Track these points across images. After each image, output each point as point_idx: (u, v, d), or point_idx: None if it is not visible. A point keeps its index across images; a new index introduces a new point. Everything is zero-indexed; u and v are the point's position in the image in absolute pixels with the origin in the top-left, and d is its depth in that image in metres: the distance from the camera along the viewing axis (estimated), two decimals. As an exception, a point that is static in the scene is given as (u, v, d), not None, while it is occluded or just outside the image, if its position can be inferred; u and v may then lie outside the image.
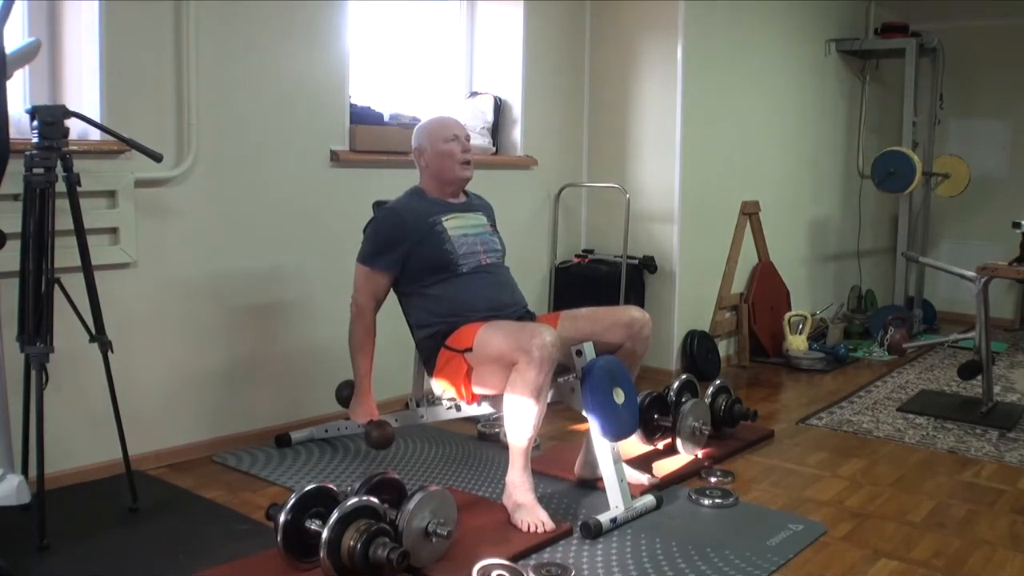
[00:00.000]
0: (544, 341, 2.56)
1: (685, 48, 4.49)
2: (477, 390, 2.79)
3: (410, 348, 3.14)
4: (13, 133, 2.45)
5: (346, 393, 3.17)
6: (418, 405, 3.18)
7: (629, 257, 4.53)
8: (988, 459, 3.44)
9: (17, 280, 2.56)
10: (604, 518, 2.63)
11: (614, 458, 2.71)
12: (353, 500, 2.20)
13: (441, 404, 3.01)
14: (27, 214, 2.51)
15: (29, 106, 2.67)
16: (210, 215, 3.25)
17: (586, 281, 4.60)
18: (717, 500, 2.89)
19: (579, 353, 2.75)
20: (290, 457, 3.26)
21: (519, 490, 2.67)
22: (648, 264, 4.59)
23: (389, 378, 3.82)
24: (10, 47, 2.33)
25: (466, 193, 3.13)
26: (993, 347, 4.57)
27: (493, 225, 3.14)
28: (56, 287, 2.55)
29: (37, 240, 2.50)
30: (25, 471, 2.59)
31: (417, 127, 3.10)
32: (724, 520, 2.78)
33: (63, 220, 2.59)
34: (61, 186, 2.57)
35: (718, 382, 3.58)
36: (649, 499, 2.80)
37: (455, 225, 2.96)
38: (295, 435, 3.39)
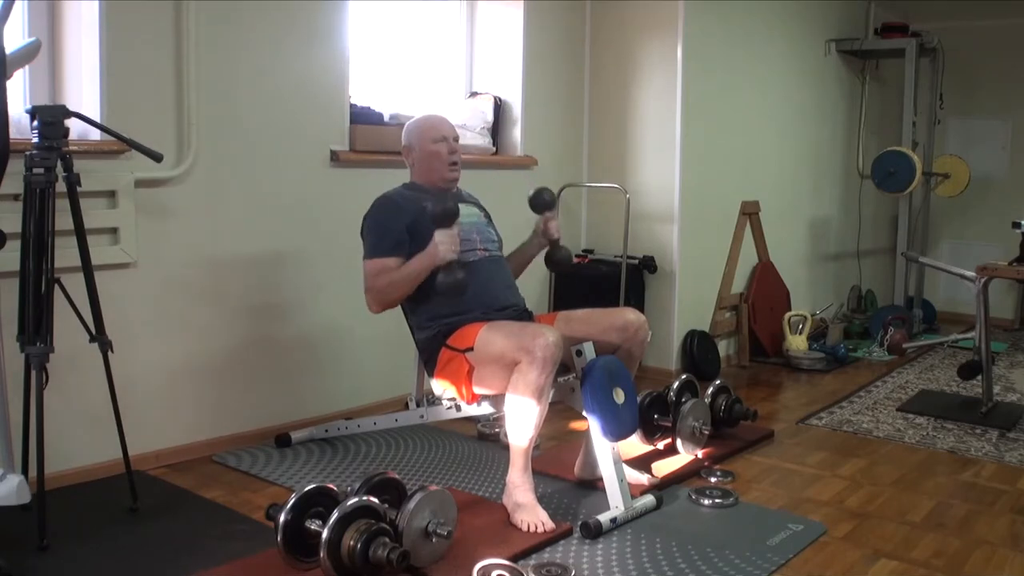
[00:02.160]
0: (547, 341, 2.56)
1: (685, 48, 4.49)
2: (478, 390, 2.79)
3: (410, 348, 3.14)
4: (13, 133, 2.45)
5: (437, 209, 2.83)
6: (418, 405, 3.18)
7: (629, 257, 4.53)
8: (988, 459, 3.44)
9: (17, 280, 2.56)
10: (604, 518, 2.63)
11: (614, 458, 2.71)
12: (353, 500, 2.20)
13: (441, 404, 3.01)
14: (27, 214, 2.51)
15: (29, 106, 2.67)
16: (210, 215, 3.25)
17: (586, 281, 4.60)
18: (717, 500, 2.89)
19: (579, 353, 2.75)
20: (290, 457, 3.26)
21: (519, 490, 2.67)
22: (648, 264, 4.59)
23: (389, 378, 3.83)
24: (10, 47, 2.33)
25: (458, 189, 3.13)
26: (993, 347, 4.57)
27: (488, 217, 3.14)
28: (56, 287, 2.55)
29: (37, 240, 2.50)
30: (25, 471, 2.59)
31: (407, 125, 3.10)
32: (724, 520, 2.78)
33: (63, 220, 2.59)
34: (61, 186, 2.57)
35: (718, 382, 3.58)
36: (649, 499, 2.80)
37: None
38: (295, 435, 3.39)
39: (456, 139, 3.06)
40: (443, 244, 2.74)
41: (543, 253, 3.23)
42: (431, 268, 2.76)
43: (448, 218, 2.76)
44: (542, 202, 3.12)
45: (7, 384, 2.47)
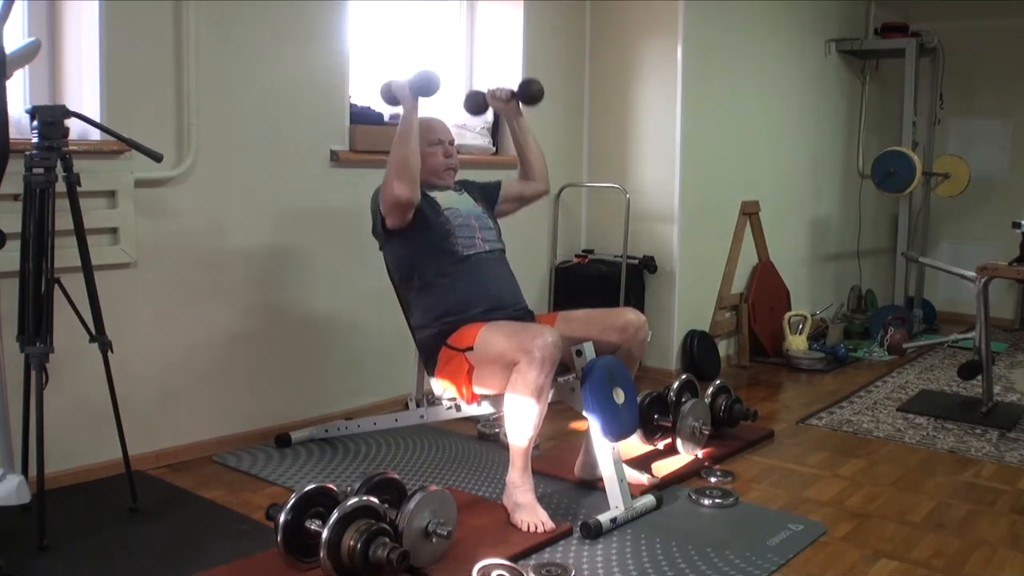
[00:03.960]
0: (546, 341, 2.56)
1: (685, 48, 4.49)
2: (478, 390, 2.79)
3: (410, 348, 3.14)
4: (13, 133, 2.45)
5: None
6: (418, 405, 3.18)
7: (629, 257, 4.53)
8: (988, 459, 3.44)
9: (17, 280, 2.56)
10: (604, 518, 2.63)
11: (614, 458, 2.71)
12: (353, 500, 2.20)
13: (441, 404, 3.01)
14: (27, 214, 2.51)
15: (29, 106, 2.67)
16: (210, 215, 3.25)
17: (586, 281, 4.60)
18: (717, 500, 2.89)
19: (579, 353, 2.75)
20: (290, 457, 3.26)
21: (519, 490, 2.67)
22: (648, 264, 4.59)
23: (389, 378, 3.83)
24: (10, 47, 2.33)
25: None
26: (993, 347, 4.57)
27: (485, 205, 3.14)
28: (56, 287, 2.55)
29: (37, 240, 2.50)
30: (25, 471, 2.59)
31: None
32: (724, 520, 2.78)
33: (63, 220, 2.59)
34: (61, 186, 2.57)
35: (718, 382, 3.58)
36: (649, 499, 2.80)
37: (445, 200, 2.98)
38: (295, 435, 3.39)
39: (452, 143, 3.06)
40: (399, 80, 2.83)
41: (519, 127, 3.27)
42: (412, 115, 2.83)
43: (425, 87, 2.83)
44: (528, 95, 3.16)
45: (7, 384, 2.47)
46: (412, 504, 2.29)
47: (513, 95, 3.15)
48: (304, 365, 3.59)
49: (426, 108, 3.00)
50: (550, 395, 2.69)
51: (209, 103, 3.20)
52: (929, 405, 4.19)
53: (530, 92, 3.14)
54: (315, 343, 3.62)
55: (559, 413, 3.44)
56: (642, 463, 3.16)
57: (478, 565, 2.29)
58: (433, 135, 3.02)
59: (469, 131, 4.29)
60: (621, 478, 2.71)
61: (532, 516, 2.60)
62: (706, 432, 3.32)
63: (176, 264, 3.17)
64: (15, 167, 2.44)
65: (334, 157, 3.62)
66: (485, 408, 2.87)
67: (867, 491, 3.07)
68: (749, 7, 4.95)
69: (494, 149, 4.43)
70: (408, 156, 2.81)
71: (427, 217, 2.90)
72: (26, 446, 2.60)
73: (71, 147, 2.74)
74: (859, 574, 2.44)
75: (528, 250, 4.51)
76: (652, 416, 3.29)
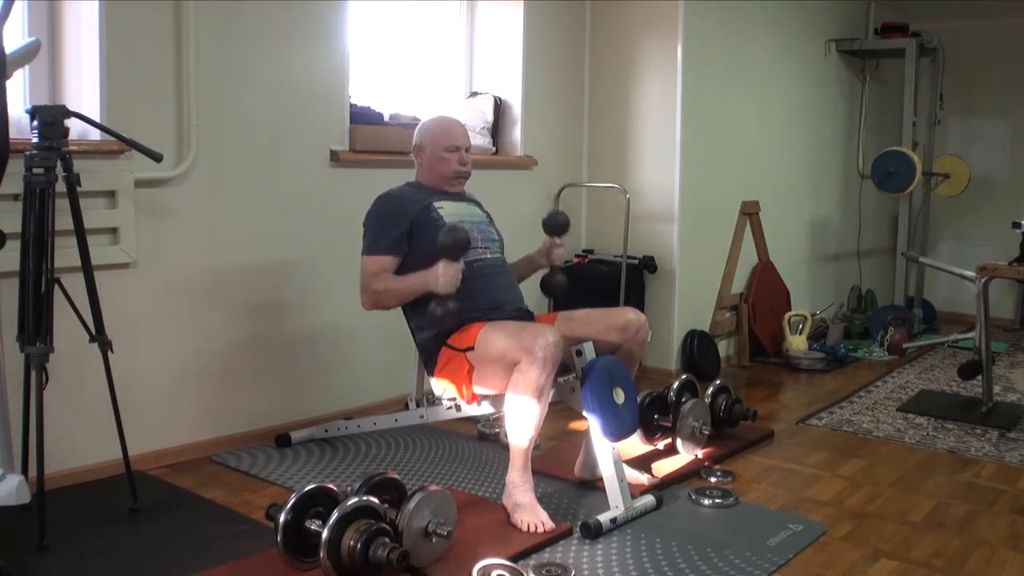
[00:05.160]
0: (548, 341, 2.56)
1: (685, 48, 4.49)
2: (478, 390, 2.79)
3: (410, 348, 3.14)
4: (13, 133, 2.45)
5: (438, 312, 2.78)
6: (418, 405, 3.18)
7: (629, 257, 4.53)
8: (988, 459, 3.44)
9: (17, 280, 2.56)
10: (604, 518, 2.63)
11: (614, 458, 2.71)
12: (353, 500, 2.21)
13: (441, 404, 3.01)
14: (27, 214, 2.51)
15: (29, 106, 2.67)
16: (210, 215, 3.25)
17: (586, 281, 4.59)
18: (717, 500, 2.89)
19: (579, 353, 2.75)
20: (290, 457, 3.26)
21: (519, 490, 2.67)
22: (648, 264, 4.59)
23: (389, 378, 3.83)
24: (10, 47, 2.33)
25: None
26: (993, 347, 4.57)
27: (489, 218, 3.14)
28: (56, 287, 2.55)
29: (37, 240, 2.50)
30: (25, 471, 2.59)
31: (422, 123, 3.09)
32: (724, 520, 2.78)
33: (63, 220, 2.59)
34: (61, 186, 2.57)
35: (718, 382, 3.58)
36: (649, 499, 2.80)
37: (450, 212, 2.97)
38: (295, 435, 3.39)
39: (468, 149, 3.06)
40: (444, 277, 2.71)
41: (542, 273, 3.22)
42: (426, 292, 2.76)
43: (457, 251, 2.71)
44: (555, 225, 3.13)
45: (7, 384, 2.47)
46: (412, 504, 2.29)
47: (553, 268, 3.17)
48: (304, 365, 3.59)
49: (440, 108, 2.99)
50: (550, 395, 2.69)
51: (209, 103, 3.20)
52: (929, 405, 4.19)
53: (556, 225, 3.14)
54: (315, 342, 3.62)
55: (559, 413, 3.44)
56: (642, 463, 3.16)
57: (478, 565, 2.29)
58: (451, 141, 3.00)
59: (469, 131, 4.28)
60: (621, 478, 2.71)
61: (532, 516, 2.60)
62: (706, 432, 3.32)
63: (176, 264, 3.17)
64: (15, 167, 2.45)
65: (334, 157, 3.62)
66: (485, 408, 2.87)
67: (867, 491, 3.07)
68: (749, 7, 4.95)
69: (494, 149, 4.43)
70: (395, 305, 2.90)
71: (426, 233, 2.88)
72: (26, 446, 2.60)
73: (71, 147, 2.74)
74: (859, 574, 2.44)
75: (528, 250, 4.49)
76: (652, 416, 3.29)
